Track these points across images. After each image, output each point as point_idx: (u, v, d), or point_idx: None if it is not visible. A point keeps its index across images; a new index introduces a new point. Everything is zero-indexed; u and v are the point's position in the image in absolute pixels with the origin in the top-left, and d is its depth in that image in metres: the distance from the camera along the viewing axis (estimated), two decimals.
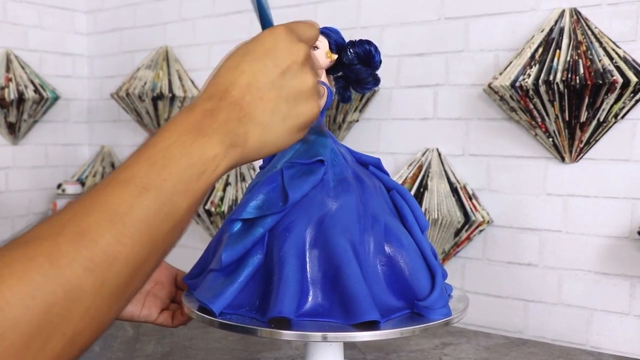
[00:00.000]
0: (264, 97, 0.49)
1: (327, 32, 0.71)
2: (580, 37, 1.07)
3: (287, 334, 0.59)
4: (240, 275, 0.63)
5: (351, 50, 0.71)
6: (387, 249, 0.65)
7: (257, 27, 1.25)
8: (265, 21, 0.58)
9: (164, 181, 0.42)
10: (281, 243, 0.62)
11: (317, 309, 0.61)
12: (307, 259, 0.62)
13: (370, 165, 0.73)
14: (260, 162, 0.74)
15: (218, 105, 0.47)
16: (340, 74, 0.73)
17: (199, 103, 0.48)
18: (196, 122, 0.46)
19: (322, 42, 0.70)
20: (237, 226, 0.65)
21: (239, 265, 0.64)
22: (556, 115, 1.08)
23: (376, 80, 0.74)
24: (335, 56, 0.71)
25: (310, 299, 0.61)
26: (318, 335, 0.59)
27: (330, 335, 0.59)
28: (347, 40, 0.72)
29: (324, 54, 0.70)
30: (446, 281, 0.72)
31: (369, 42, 0.71)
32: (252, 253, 0.64)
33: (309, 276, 0.62)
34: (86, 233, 0.38)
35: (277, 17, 0.63)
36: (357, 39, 0.71)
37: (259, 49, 0.51)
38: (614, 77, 1.01)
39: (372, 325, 0.60)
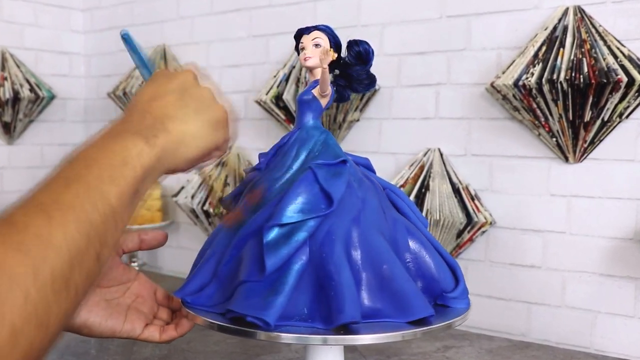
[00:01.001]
0: (167, 99, 0.54)
1: (326, 29, 0.71)
2: (584, 36, 1.07)
3: (287, 337, 0.59)
4: (287, 283, 0.61)
5: (354, 49, 0.72)
6: (411, 245, 0.67)
7: (256, 25, 1.25)
8: (149, 69, 0.66)
9: (88, 170, 0.44)
10: (331, 247, 0.62)
11: (373, 311, 0.62)
12: (356, 261, 0.63)
13: (361, 166, 0.73)
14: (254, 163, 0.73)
15: (127, 118, 0.52)
16: (337, 72, 0.74)
17: (117, 119, 0.52)
18: (111, 131, 0.49)
19: (324, 39, 0.70)
20: (274, 232, 0.62)
21: (280, 274, 0.62)
22: (560, 115, 1.08)
23: (374, 80, 0.75)
24: (336, 54, 0.71)
25: (365, 301, 0.62)
26: (318, 338, 0.59)
27: (331, 338, 0.59)
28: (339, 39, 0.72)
29: (326, 51, 0.70)
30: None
31: (367, 43, 0.73)
32: (294, 260, 0.62)
33: (363, 278, 0.62)
34: (17, 221, 0.38)
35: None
36: (355, 39, 0.72)
37: (151, 79, 0.58)
38: (619, 76, 1.01)
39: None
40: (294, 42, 0.73)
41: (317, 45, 0.70)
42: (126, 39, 0.65)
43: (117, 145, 0.47)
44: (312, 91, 0.71)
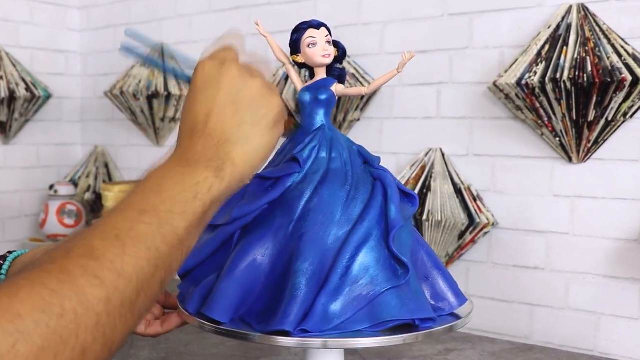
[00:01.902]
0: (224, 119, 0.55)
1: (326, 25, 0.71)
2: (588, 34, 1.07)
3: (287, 341, 0.59)
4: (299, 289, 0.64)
5: (342, 47, 0.73)
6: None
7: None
8: (182, 73, 0.65)
9: (161, 203, 0.48)
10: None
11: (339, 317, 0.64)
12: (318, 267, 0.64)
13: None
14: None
15: (191, 141, 0.54)
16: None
17: (176, 148, 0.55)
18: (180, 158, 0.53)
19: (326, 35, 0.71)
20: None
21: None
22: (563, 114, 1.08)
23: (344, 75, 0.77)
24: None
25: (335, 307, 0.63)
26: (318, 341, 0.59)
27: (331, 341, 0.59)
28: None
29: (331, 49, 0.71)
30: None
31: (341, 43, 0.75)
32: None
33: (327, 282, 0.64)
34: (93, 250, 0.42)
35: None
36: (334, 40, 0.73)
37: (197, 86, 0.57)
38: (623, 75, 1.01)
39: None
40: None
41: (329, 43, 0.70)
42: (130, 52, 0.66)
43: (189, 180, 0.50)
44: (331, 88, 0.71)
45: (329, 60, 0.71)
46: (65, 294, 0.38)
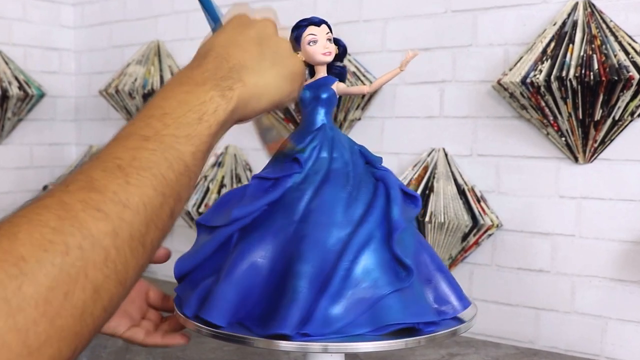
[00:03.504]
0: (246, 48, 0.55)
1: (326, 22, 0.71)
2: (594, 31, 1.07)
3: (287, 345, 0.59)
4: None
5: (342, 45, 0.73)
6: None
7: None
8: (215, 18, 0.65)
9: (164, 127, 0.46)
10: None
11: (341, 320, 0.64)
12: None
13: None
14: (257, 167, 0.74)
15: (203, 61, 0.52)
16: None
17: (186, 66, 0.53)
18: (187, 76, 0.51)
19: (327, 32, 0.71)
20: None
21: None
22: (569, 114, 1.08)
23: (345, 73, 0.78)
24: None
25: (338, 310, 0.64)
26: (318, 346, 0.59)
27: (332, 346, 0.59)
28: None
29: (332, 46, 0.71)
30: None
31: (342, 40, 0.75)
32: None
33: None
34: (93, 182, 0.40)
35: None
36: (336, 38, 0.74)
37: (229, 23, 0.58)
38: (630, 73, 1.01)
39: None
40: None
41: (329, 40, 0.71)
42: None
43: (194, 100, 0.48)
44: (332, 87, 0.72)
45: (329, 58, 0.71)
46: (67, 230, 0.37)
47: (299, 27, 0.71)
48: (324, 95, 0.71)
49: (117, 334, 0.71)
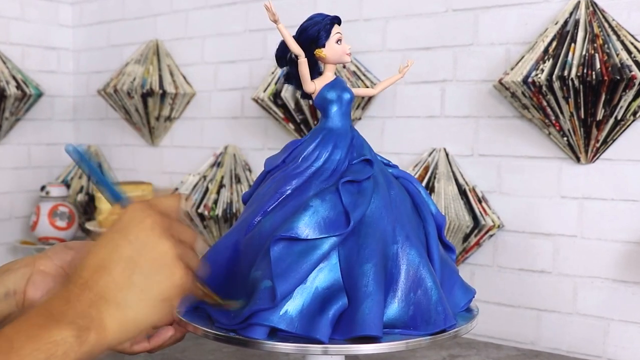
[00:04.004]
0: (113, 273, 0.50)
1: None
2: (596, 30, 1.07)
3: (287, 347, 0.59)
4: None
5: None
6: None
7: (253, 19, 1.25)
8: (114, 197, 0.58)
9: None
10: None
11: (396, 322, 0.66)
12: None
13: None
14: (258, 165, 0.74)
15: (71, 289, 0.49)
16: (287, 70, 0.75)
17: (57, 290, 0.50)
18: (49, 307, 0.48)
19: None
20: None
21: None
22: (571, 113, 1.08)
23: None
24: None
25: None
26: (318, 348, 0.59)
27: (332, 348, 0.59)
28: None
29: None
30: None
31: None
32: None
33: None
34: None
35: (275, 7, 0.62)
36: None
37: (112, 229, 0.53)
38: (633, 73, 1.01)
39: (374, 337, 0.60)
40: None
41: (339, 42, 0.71)
42: (77, 154, 0.57)
43: (45, 337, 0.45)
44: None
45: (350, 59, 0.73)
46: None
47: (321, 24, 0.70)
48: (348, 97, 0.72)
49: (125, 351, 0.70)
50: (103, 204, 1.55)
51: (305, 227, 0.62)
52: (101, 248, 0.51)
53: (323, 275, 0.62)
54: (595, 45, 1.05)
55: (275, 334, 0.60)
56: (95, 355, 0.48)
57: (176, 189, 1.57)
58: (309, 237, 0.62)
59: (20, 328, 0.46)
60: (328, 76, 0.72)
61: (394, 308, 0.63)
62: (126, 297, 0.50)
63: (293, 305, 0.60)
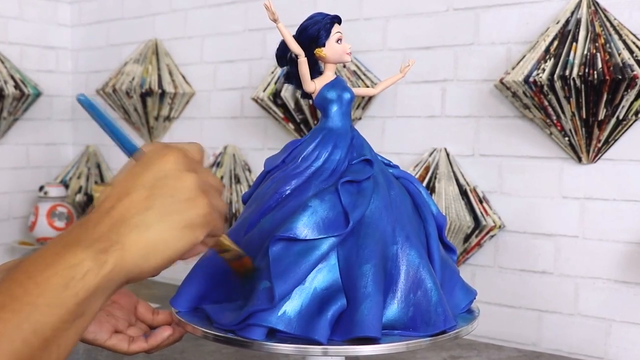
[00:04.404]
0: (133, 197, 0.49)
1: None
2: (598, 29, 1.07)
3: (286, 348, 0.59)
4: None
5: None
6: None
7: (253, 18, 1.25)
8: (129, 148, 0.57)
9: (25, 294, 0.42)
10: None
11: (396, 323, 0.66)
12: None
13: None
14: (259, 164, 0.74)
15: (90, 218, 0.48)
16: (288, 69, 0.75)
17: (77, 221, 0.50)
18: (67, 236, 0.47)
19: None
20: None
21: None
22: (572, 113, 1.08)
23: None
24: None
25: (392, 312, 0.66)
26: (318, 349, 0.59)
27: (331, 349, 0.59)
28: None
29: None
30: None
31: None
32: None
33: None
34: None
35: (275, 7, 0.62)
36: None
37: (134, 164, 0.52)
38: (635, 72, 1.01)
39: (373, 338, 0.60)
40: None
41: (339, 41, 0.71)
42: (88, 105, 0.58)
43: (61, 263, 0.44)
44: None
45: (350, 58, 0.73)
46: None
47: (321, 23, 0.70)
48: (348, 96, 0.72)
49: (99, 343, 0.69)
50: None
51: (304, 228, 0.62)
52: (122, 180, 0.50)
53: (322, 276, 0.62)
54: (596, 44, 1.05)
55: (274, 334, 0.60)
56: (116, 280, 0.46)
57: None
58: (307, 238, 0.62)
59: (36, 257, 0.45)
60: (328, 76, 0.72)
61: (393, 309, 0.63)
62: (146, 218, 0.48)
63: (291, 306, 0.60)
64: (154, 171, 0.50)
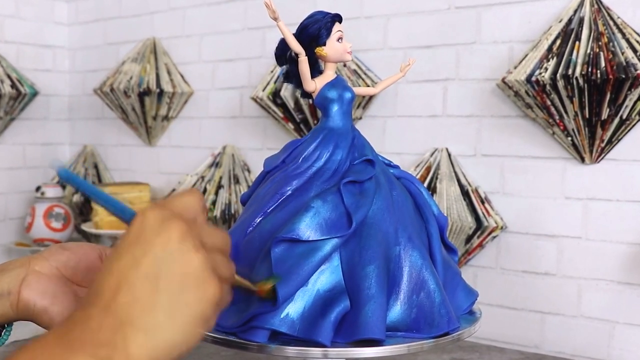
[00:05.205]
0: (136, 293, 0.44)
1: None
2: (601, 28, 1.07)
3: (285, 350, 0.59)
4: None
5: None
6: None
7: (252, 18, 1.25)
8: (125, 213, 0.52)
9: None
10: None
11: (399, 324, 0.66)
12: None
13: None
14: (258, 164, 0.74)
15: (91, 313, 0.44)
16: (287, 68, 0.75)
17: (74, 312, 0.45)
18: (68, 334, 0.43)
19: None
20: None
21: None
22: (575, 113, 1.08)
23: None
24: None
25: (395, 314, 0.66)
26: (318, 351, 0.59)
27: (332, 351, 0.59)
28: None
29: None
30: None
31: None
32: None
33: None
34: None
35: (275, 5, 0.62)
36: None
37: (127, 239, 0.47)
38: (638, 71, 1.01)
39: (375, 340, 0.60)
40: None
41: (339, 40, 0.71)
42: (70, 178, 0.53)
43: None
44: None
45: (351, 57, 0.73)
46: None
47: (322, 22, 0.70)
48: (349, 95, 0.72)
49: None
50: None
51: (307, 229, 0.62)
52: (120, 264, 0.46)
53: (325, 278, 0.62)
54: (600, 43, 1.05)
55: (277, 337, 0.60)
56: None
57: (173, 190, 1.57)
58: (310, 239, 0.62)
59: (34, 355, 0.41)
60: (329, 75, 0.72)
61: (396, 311, 0.63)
62: (154, 320, 0.44)
63: (294, 308, 0.60)
64: (157, 254, 0.45)
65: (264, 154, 1.46)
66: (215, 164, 1.53)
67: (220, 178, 1.50)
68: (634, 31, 1.06)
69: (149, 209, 0.47)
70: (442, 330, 0.63)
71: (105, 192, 0.53)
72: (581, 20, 1.09)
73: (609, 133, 1.09)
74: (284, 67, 0.75)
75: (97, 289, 0.45)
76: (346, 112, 0.71)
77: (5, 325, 0.66)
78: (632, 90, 1.03)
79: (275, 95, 1.35)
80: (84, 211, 1.76)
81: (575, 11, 1.10)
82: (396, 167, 0.76)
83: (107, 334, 0.42)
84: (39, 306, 0.62)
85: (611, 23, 1.07)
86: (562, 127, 1.12)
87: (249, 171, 1.52)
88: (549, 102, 1.10)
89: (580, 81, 1.04)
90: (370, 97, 1.31)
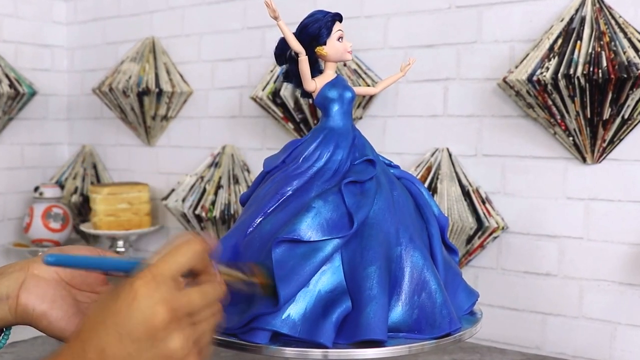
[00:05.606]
0: None
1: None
2: (603, 27, 1.07)
3: (285, 351, 0.59)
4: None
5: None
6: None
7: (252, 18, 1.25)
8: (127, 267, 0.52)
9: None
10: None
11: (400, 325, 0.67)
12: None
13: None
14: (258, 164, 0.74)
15: None
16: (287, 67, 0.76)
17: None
18: None
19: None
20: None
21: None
22: (577, 112, 1.08)
23: None
24: None
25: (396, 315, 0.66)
26: (319, 352, 0.59)
27: (332, 352, 0.59)
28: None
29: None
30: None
31: None
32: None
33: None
34: None
35: (276, 4, 0.62)
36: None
37: (117, 306, 0.48)
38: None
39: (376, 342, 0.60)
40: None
41: (340, 39, 0.71)
42: (60, 262, 0.52)
43: None
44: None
45: (351, 56, 0.73)
46: None
47: (322, 21, 0.70)
48: (349, 95, 0.72)
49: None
50: (98, 205, 1.55)
51: (308, 229, 0.62)
52: (104, 328, 0.47)
53: (326, 278, 0.62)
54: (601, 42, 1.05)
55: (278, 338, 0.60)
56: None
57: (172, 190, 1.57)
58: (311, 239, 0.62)
59: None
60: (329, 74, 0.72)
61: (398, 311, 0.63)
62: None
63: (296, 309, 0.60)
64: (140, 324, 0.47)
65: (263, 154, 1.46)
66: (215, 164, 1.53)
67: (220, 178, 1.50)
68: (636, 30, 1.06)
69: (139, 280, 0.48)
70: (444, 331, 0.63)
71: (98, 256, 0.53)
72: (583, 20, 1.09)
73: (610, 133, 1.09)
74: (284, 66, 0.75)
75: (84, 342, 0.47)
76: (346, 111, 0.71)
77: (4, 329, 0.66)
78: (634, 89, 1.03)
79: (275, 95, 1.35)
80: (82, 211, 1.76)
81: (577, 10, 1.10)
82: (397, 167, 0.76)
83: None
84: (38, 310, 0.62)
85: (613, 22, 1.07)
86: (563, 127, 1.12)
87: (248, 171, 1.52)
88: (550, 102, 1.10)
89: (582, 81, 1.04)
90: (371, 97, 1.31)
